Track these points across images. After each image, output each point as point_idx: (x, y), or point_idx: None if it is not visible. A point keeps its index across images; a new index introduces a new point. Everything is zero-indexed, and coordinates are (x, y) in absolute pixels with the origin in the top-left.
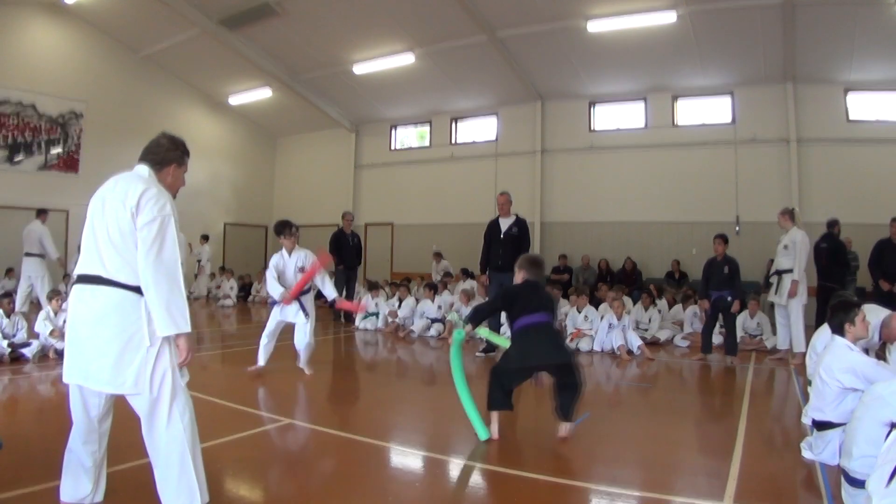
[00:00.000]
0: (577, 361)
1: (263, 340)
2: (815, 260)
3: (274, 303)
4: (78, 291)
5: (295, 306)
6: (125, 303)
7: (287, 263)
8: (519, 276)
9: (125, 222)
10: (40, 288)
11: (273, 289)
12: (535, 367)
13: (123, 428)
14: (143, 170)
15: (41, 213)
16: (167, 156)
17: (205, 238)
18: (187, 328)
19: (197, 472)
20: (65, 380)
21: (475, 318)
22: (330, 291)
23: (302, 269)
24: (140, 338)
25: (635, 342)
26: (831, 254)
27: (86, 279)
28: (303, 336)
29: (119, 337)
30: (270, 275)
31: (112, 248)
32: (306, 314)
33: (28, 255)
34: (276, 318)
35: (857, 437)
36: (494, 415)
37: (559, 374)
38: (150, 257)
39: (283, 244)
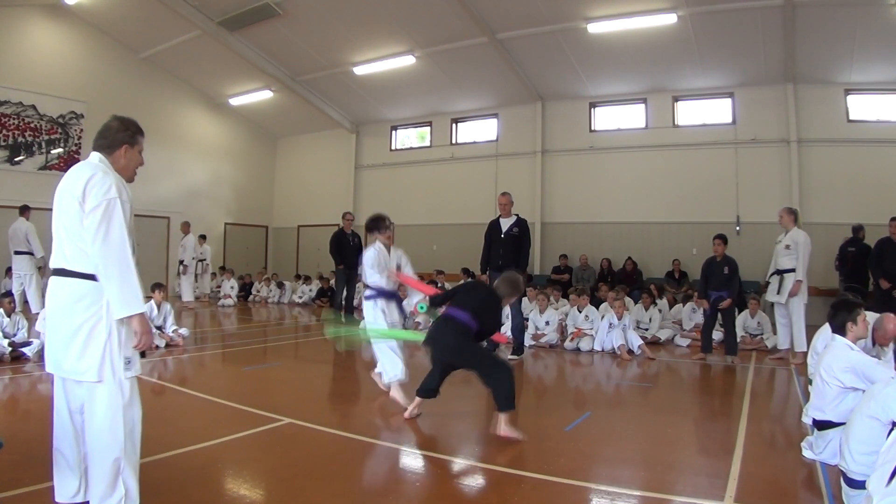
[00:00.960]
0: (486, 359)
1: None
2: (841, 263)
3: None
4: (50, 284)
5: (395, 309)
6: (90, 293)
7: (387, 261)
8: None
9: (76, 213)
10: (28, 285)
11: (374, 278)
12: (433, 354)
13: None
14: (95, 157)
15: (24, 210)
16: (116, 137)
17: (202, 238)
18: (140, 308)
19: (126, 481)
20: (46, 369)
21: (434, 302)
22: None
23: (398, 268)
24: (101, 327)
25: (636, 342)
26: (859, 257)
27: (55, 272)
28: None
29: (84, 325)
30: (371, 267)
31: (70, 240)
32: (404, 315)
33: (16, 253)
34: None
35: (850, 439)
36: (417, 399)
37: (475, 370)
38: (98, 242)
39: (377, 239)
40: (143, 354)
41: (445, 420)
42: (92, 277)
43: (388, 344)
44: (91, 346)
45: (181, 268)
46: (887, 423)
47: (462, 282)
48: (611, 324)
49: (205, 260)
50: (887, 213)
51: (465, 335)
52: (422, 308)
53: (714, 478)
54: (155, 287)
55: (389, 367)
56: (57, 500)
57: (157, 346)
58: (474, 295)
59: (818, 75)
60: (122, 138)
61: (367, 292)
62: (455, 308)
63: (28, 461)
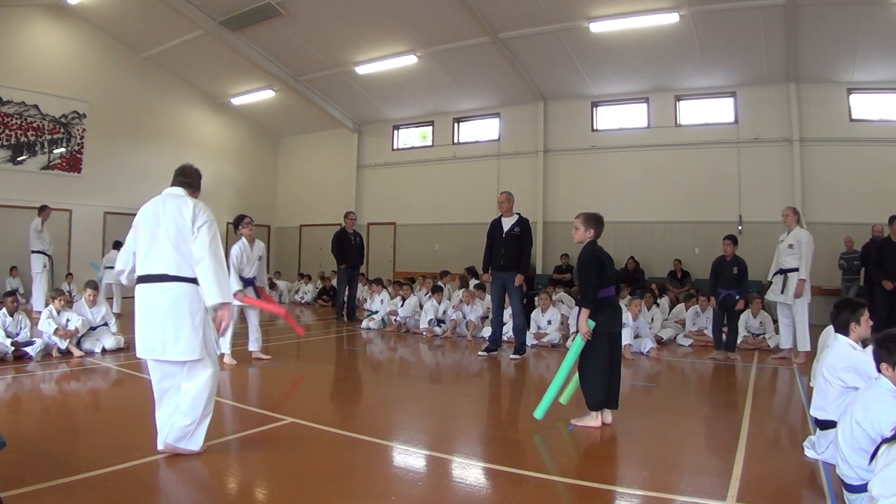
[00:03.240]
0: None
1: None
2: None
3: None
4: (147, 288)
5: (252, 292)
6: (192, 293)
7: (250, 255)
8: (589, 234)
9: (186, 230)
10: (34, 282)
11: (236, 283)
12: (615, 333)
13: (125, 427)
14: (180, 191)
15: (41, 210)
16: (196, 181)
17: None
18: (230, 298)
19: (204, 427)
20: (139, 355)
21: (594, 300)
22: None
23: (260, 259)
24: (200, 317)
25: (648, 344)
26: None
27: (153, 278)
28: (255, 316)
29: (188, 317)
30: (235, 266)
31: (176, 251)
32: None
33: (32, 252)
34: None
35: (842, 446)
36: (604, 412)
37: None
38: (206, 247)
39: (244, 234)
40: None
41: (447, 419)
42: (191, 281)
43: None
44: (196, 332)
45: None
46: (875, 437)
47: (591, 260)
48: (624, 324)
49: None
50: (890, 213)
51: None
52: (592, 325)
53: (716, 477)
54: None
55: (256, 339)
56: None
57: None
58: (610, 266)
59: (820, 74)
60: (198, 184)
61: (239, 283)
62: (610, 288)
63: (31, 460)
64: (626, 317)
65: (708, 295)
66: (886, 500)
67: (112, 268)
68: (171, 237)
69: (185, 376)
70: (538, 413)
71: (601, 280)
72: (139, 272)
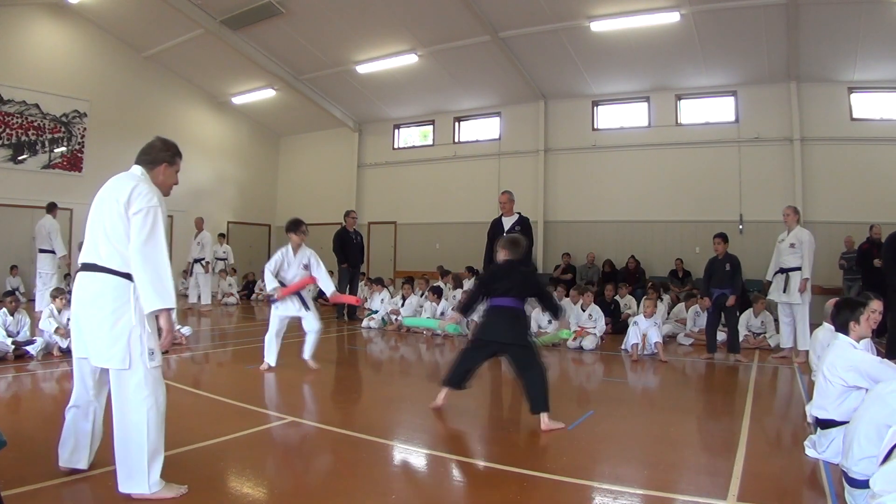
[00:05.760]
0: (535, 348)
1: (269, 340)
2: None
3: (274, 301)
4: (79, 278)
5: (297, 302)
6: (118, 287)
7: (292, 261)
8: (500, 256)
9: (118, 215)
10: (47, 284)
11: (269, 283)
12: (490, 343)
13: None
14: (137, 169)
15: (52, 207)
16: (158, 156)
17: (222, 237)
18: (172, 304)
19: (150, 460)
20: (74, 354)
21: (464, 309)
22: (328, 286)
23: (306, 267)
24: (127, 318)
25: (653, 338)
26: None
27: (85, 267)
28: (313, 322)
29: (111, 316)
30: (269, 269)
31: (106, 239)
32: (307, 307)
33: (40, 251)
34: (278, 316)
35: (857, 437)
36: (444, 389)
37: (517, 360)
38: (139, 241)
39: (291, 240)
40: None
41: (448, 418)
42: (121, 275)
43: (272, 333)
44: (118, 335)
45: (203, 266)
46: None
47: (481, 274)
48: (636, 322)
49: (226, 259)
50: (891, 212)
51: (521, 319)
52: (456, 330)
53: (717, 476)
54: None
55: (268, 352)
56: (60, 464)
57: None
58: (508, 280)
59: (821, 73)
60: (163, 157)
61: (274, 283)
62: (501, 298)
63: (32, 459)
64: (639, 316)
65: (701, 295)
66: (890, 495)
67: None
68: (105, 224)
69: (116, 392)
70: (407, 322)
71: (484, 294)
72: (79, 260)
